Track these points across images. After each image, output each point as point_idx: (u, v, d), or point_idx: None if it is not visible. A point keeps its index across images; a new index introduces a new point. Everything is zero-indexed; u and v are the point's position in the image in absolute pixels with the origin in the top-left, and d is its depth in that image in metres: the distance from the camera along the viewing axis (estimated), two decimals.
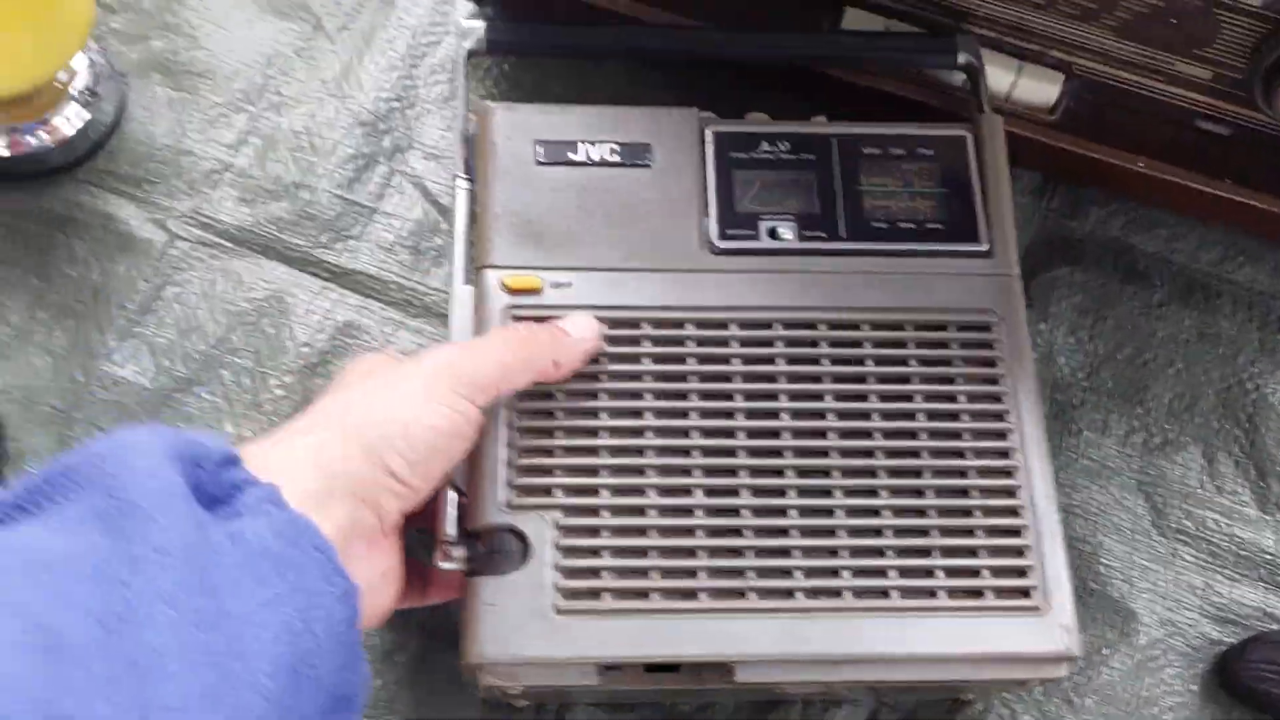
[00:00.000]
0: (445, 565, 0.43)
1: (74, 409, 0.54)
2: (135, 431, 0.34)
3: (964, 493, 0.45)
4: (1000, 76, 0.56)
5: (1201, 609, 0.53)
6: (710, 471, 0.45)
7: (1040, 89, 0.56)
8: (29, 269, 0.57)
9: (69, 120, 0.58)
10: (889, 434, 0.46)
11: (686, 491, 0.44)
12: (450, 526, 0.44)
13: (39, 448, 0.53)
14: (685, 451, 0.45)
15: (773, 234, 0.49)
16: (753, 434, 0.45)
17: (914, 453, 0.45)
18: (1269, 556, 0.54)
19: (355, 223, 0.59)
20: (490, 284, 0.47)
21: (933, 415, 0.46)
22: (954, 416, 0.46)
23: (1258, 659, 0.50)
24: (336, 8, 0.63)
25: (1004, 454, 0.46)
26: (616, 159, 0.50)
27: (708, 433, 0.45)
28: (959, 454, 0.46)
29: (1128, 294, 0.59)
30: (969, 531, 0.45)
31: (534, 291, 0.47)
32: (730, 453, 0.45)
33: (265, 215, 0.58)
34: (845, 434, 0.45)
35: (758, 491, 0.44)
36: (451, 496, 0.44)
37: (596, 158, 0.50)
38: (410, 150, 0.60)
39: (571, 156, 0.50)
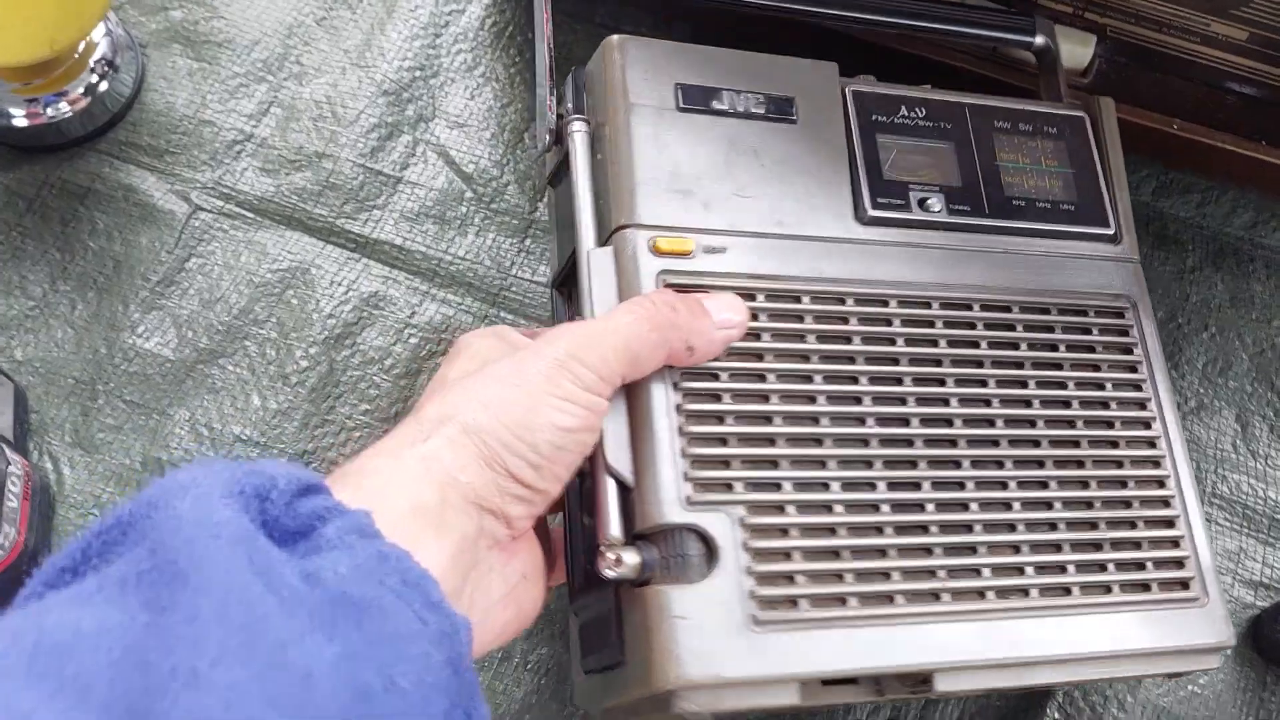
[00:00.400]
0: (613, 574, 0.37)
1: (97, 381, 0.54)
2: (193, 470, 0.31)
3: (1122, 483, 0.44)
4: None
5: (1236, 574, 0.53)
6: (890, 463, 0.41)
7: (1073, 52, 0.56)
8: (50, 241, 0.56)
9: (88, 91, 0.57)
10: (1050, 422, 0.44)
11: (870, 485, 0.41)
12: (615, 527, 0.38)
13: (62, 420, 0.53)
14: (863, 441, 0.41)
15: (922, 205, 0.46)
16: (925, 421, 0.42)
17: (1074, 442, 0.44)
18: None
19: (379, 192, 0.58)
20: (636, 246, 0.41)
21: (1086, 403, 0.45)
22: (1105, 405, 0.45)
23: None
24: None
25: (1151, 443, 0.45)
26: (761, 111, 0.45)
27: (882, 420, 0.42)
28: (1113, 443, 0.44)
29: (1159, 259, 0.59)
30: (1131, 524, 0.43)
31: (684, 255, 0.41)
32: (907, 442, 0.42)
33: (288, 186, 0.58)
34: (1011, 422, 0.43)
35: (938, 484, 0.41)
36: (612, 489, 0.39)
37: (741, 108, 0.44)
38: (434, 119, 0.60)
39: (715, 105, 0.44)
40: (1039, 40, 0.53)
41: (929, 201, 0.46)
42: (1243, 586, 0.53)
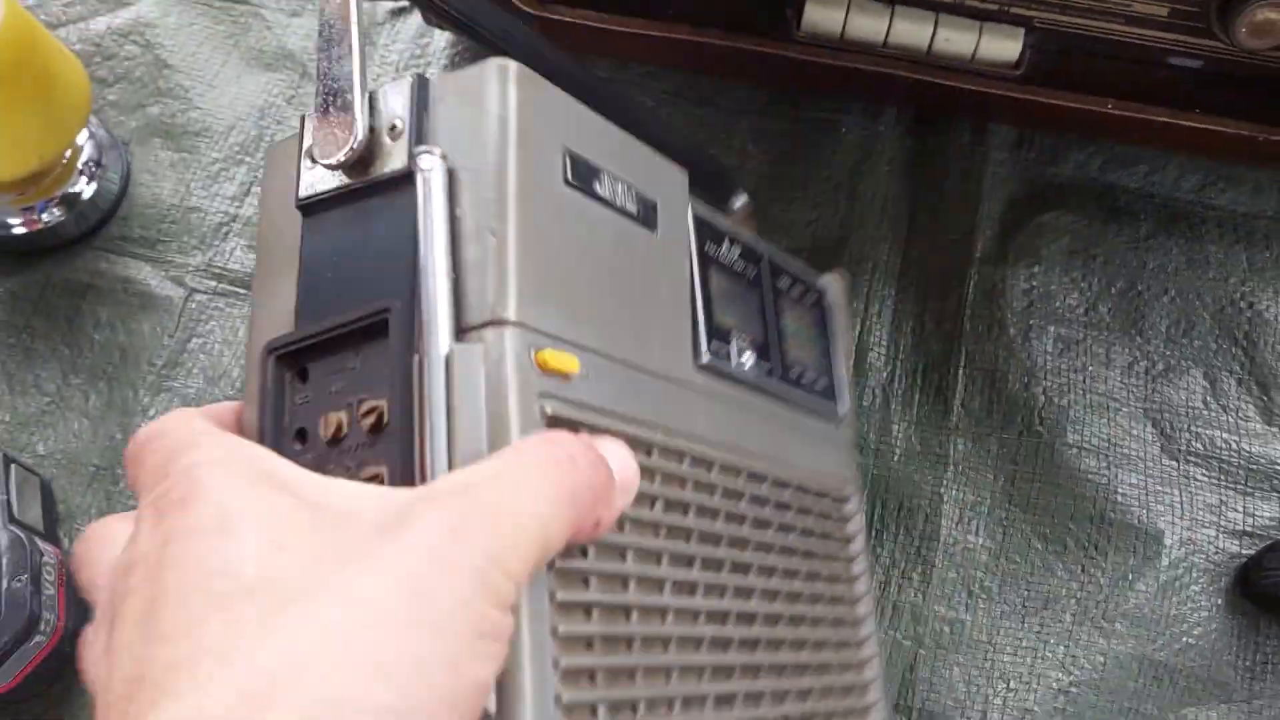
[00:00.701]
0: None
1: (116, 466, 0.57)
2: None
3: (848, 690, 0.42)
4: (962, 39, 0.57)
5: (1219, 525, 0.55)
6: (715, 671, 0.34)
7: (1003, 46, 0.58)
8: (58, 339, 0.59)
9: (79, 193, 0.60)
10: (814, 622, 0.40)
11: (700, 701, 0.33)
12: None
13: (87, 506, 0.56)
14: (696, 643, 0.34)
15: (739, 358, 0.39)
16: (739, 618, 0.36)
17: (820, 644, 0.40)
18: (1279, 467, 0.56)
19: None
20: (514, 354, 0.29)
21: (832, 600, 0.42)
22: (839, 600, 0.43)
23: (1274, 566, 0.52)
24: None
25: (859, 645, 0.43)
26: (633, 210, 0.35)
27: (710, 616, 0.34)
28: (841, 645, 0.42)
29: (1113, 231, 0.61)
30: None
31: (568, 378, 0.30)
32: (725, 644, 0.35)
33: None
34: (791, 621, 0.38)
35: (747, 697, 0.35)
36: None
37: (619, 202, 0.34)
38: None
39: (597, 188, 0.34)
40: (738, 203, 0.47)
41: (744, 355, 0.40)
42: (1227, 537, 0.55)
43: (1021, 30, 0.58)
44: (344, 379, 0.29)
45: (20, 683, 0.49)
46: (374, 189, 0.31)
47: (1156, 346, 0.58)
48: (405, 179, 0.30)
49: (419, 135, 0.31)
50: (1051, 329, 0.58)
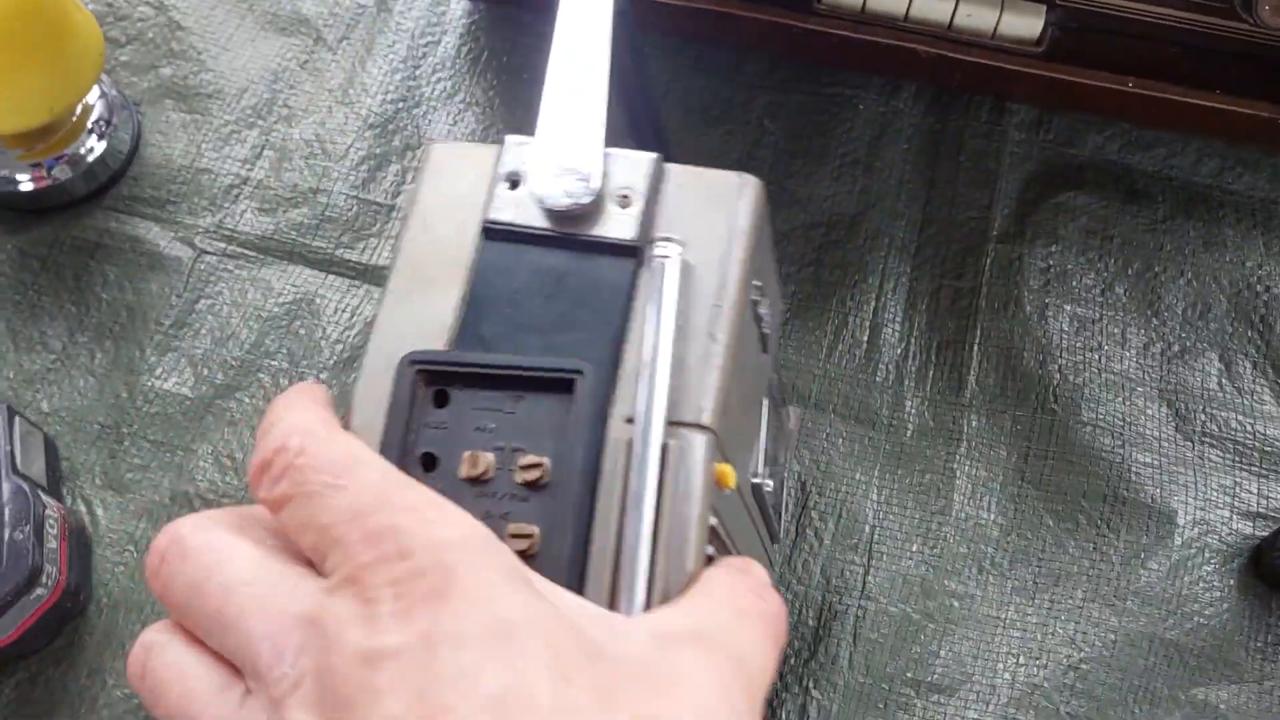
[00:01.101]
0: None
1: (121, 424, 0.56)
2: None
3: None
4: (984, 14, 0.57)
5: (1233, 506, 0.54)
6: None
7: (1024, 23, 0.58)
8: (65, 297, 0.59)
9: (88, 151, 0.60)
10: None
11: None
12: None
13: (91, 464, 0.55)
14: None
15: (768, 479, 0.41)
16: None
17: None
18: None
19: (373, 221, 0.60)
20: (707, 460, 0.28)
21: None
22: None
23: None
24: (335, 19, 0.65)
25: None
26: (767, 332, 0.36)
27: None
28: None
29: (1131, 212, 0.60)
30: None
31: (722, 492, 0.30)
32: None
33: (286, 222, 0.60)
34: None
35: None
36: None
37: (764, 326, 0.35)
38: (420, 148, 0.62)
39: (760, 310, 0.34)
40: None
41: (769, 480, 0.42)
42: (1240, 518, 0.54)
43: (1044, 7, 0.57)
44: (496, 420, 0.29)
45: (21, 636, 0.49)
46: (587, 246, 0.30)
47: (1172, 328, 0.58)
48: (628, 251, 0.30)
49: (650, 215, 0.31)
50: (1068, 308, 0.58)
